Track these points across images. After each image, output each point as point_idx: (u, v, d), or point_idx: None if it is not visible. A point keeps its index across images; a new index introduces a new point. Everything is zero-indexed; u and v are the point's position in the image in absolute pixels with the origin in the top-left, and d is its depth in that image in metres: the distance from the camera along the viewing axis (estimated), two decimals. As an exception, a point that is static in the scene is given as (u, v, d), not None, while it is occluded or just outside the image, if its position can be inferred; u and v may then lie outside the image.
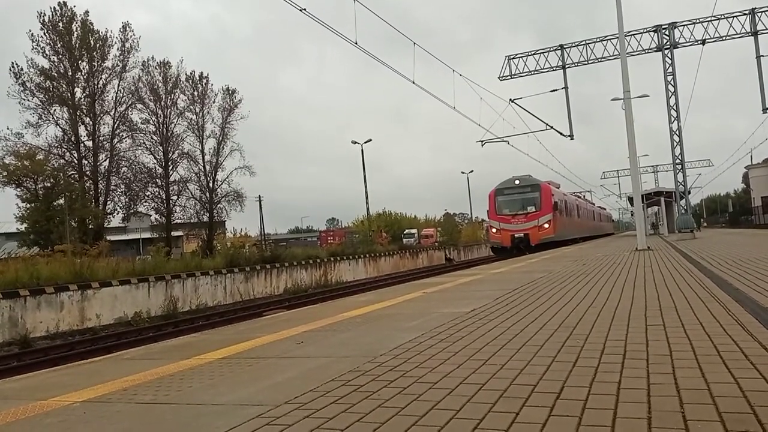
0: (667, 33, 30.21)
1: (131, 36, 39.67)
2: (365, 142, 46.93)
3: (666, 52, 30.27)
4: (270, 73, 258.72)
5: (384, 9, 20.08)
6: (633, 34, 30.20)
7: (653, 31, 30.52)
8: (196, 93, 43.88)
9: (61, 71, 36.77)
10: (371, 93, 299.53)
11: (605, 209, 75.97)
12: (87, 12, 37.66)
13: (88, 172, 38.37)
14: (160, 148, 41.97)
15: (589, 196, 67.94)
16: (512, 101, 30.35)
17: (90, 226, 37.46)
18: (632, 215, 53.50)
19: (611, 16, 18.34)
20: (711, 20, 29.11)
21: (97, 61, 38.15)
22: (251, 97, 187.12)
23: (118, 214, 41.42)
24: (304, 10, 13.93)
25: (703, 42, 29.39)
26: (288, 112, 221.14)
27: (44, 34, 36.36)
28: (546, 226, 29.28)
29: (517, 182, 30.98)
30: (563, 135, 31.79)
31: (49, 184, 36.06)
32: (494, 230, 31.48)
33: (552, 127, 31.67)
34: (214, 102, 44.72)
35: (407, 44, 19.41)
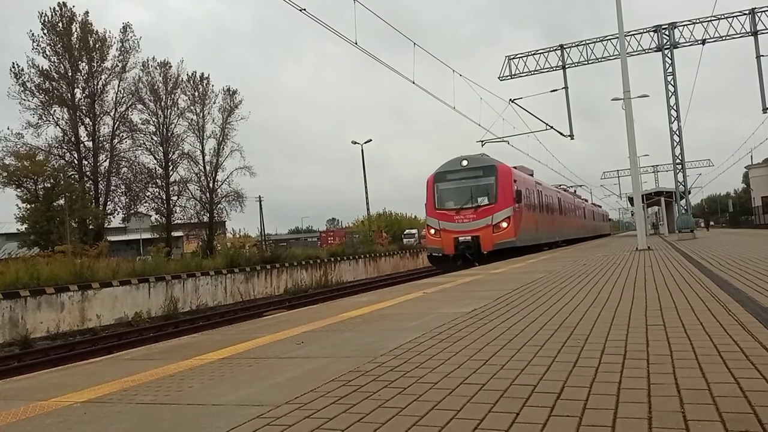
0: (667, 33, 30.22)
1: (131, 36, 39.82)
2: (365, 142, 46.88)
3: (666, 52, 30.27)
4: (270, 72, 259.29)
5: (384, 9, 20.12)
6: (633, 34, 30.22)
7: (653, 31, 30.53)
8: (196, 93, 43.99)
9: (61, 72, 36.86)
10: (372, 92, 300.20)
11: (600, 207, 68.17)
12: (87, 12, 37.86)
13: (88, 173, 38.44)
14: (161, 148, 42.05)
15: (588, 196, 64.31)
16: (512, 101, 30.27)
17: (90, 227, 37.53)
18: (632, 215, 53.28)
19: (614, 14, 18.31)
20: (711, 20, 29.12)
21: (97, 62, 38.26)
22: (251, 95, 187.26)
23: (118, 214, 41.62)
24: (304, 10, 13.91)
25: (703, 42, 29.40)
26: (288, 111, 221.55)
27: (44, 34, 36.52)
28: (504, 225, 20.64)
29: (464, 163, 21.83)
30: (563, 135, 31.79)
31: (49, 185, 36.13)
32: (432, 231, 21.92)
33: (552, 127, 31.64)
34: (214, 103, 44.84)
35: (407, 43, 19.44)
